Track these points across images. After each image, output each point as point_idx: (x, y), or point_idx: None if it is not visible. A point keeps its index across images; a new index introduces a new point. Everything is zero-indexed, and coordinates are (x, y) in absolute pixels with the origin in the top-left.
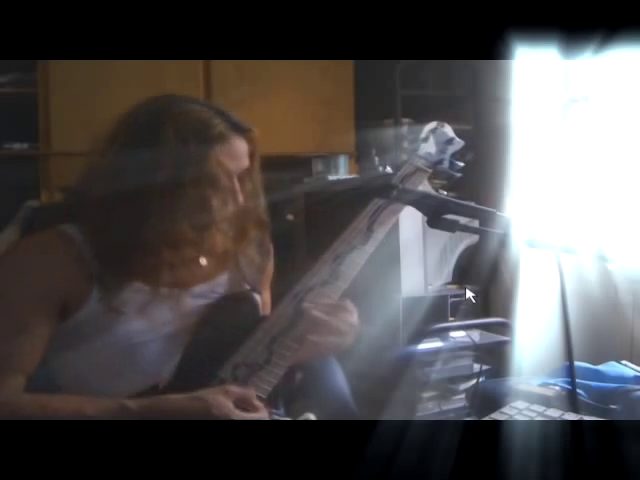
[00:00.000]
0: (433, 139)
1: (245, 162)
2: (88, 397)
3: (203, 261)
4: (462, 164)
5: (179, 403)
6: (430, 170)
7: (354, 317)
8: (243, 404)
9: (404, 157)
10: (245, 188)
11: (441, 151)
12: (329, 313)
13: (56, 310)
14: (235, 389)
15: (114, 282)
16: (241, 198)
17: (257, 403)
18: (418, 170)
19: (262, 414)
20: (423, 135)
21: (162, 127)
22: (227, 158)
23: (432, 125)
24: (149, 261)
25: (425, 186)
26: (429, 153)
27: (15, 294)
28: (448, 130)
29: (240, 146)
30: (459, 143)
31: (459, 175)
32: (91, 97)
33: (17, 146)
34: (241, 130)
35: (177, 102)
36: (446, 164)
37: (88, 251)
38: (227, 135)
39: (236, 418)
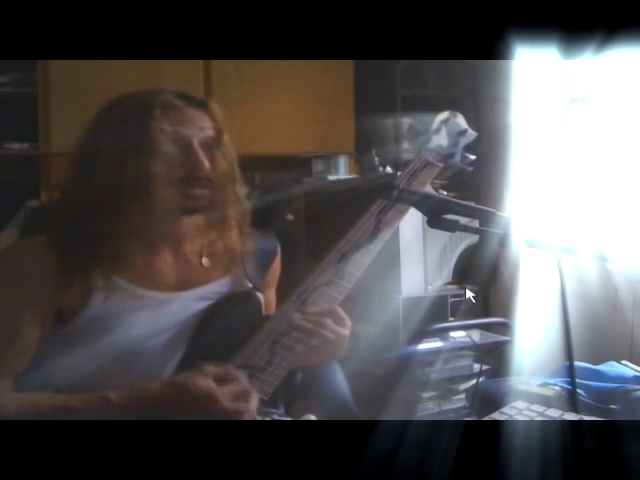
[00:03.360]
0: (445, 130)
1: (206, 132)
2: (71, 392)
3: (206, 262)
4: (474, 157)
5: (157, 389)
6: (441, 165)
7: (344, 328)
8: (223, 380)
9: (407, 149)
10: (217, 161)
11: (453, 144)
12: (316, 323)
13: (50, 314)
14: (211, 368)
15: (113, 286)
16: (207, 164)
17: (236, 374)
18: (428, 165)
19: (244, 385)
20: (435, 126)
21: (109, 112)
22: (173, 124)
23: (444, 115)
24: (140, 260)
25: (425, 186)
26: (440, 145)
27: (6, 297)
28: (461, 120)
29: (193, 114)
30: (472, 135)
31: (470, 169)
32: (91, 97)
33: (17, 146)
34: (193, 101)
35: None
36: (458, 157)
37: (83, 255)
38: (173, 102)
39: (218, 395)
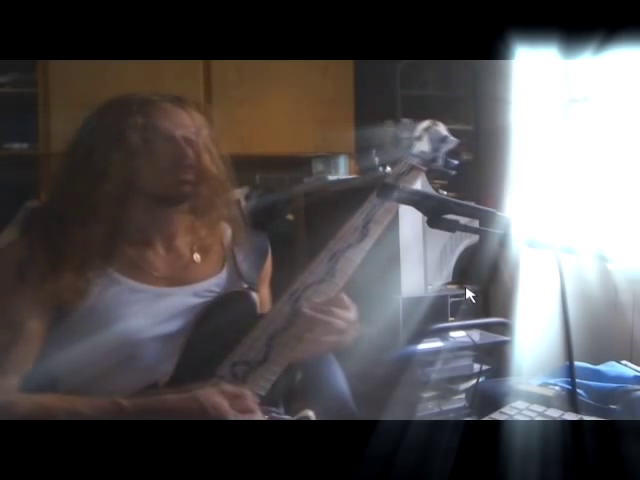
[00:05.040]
0: (427, 137)
1: (187, 127)
2: (82, 396)
3: (197, 258)
4: (457, 162)
5: (174, 402)
6: (425, 169)
7: (351, 313)
8: (238, 403)
9: (398, 156)
10: (200, 154)
11: (435, 149)
12: (324, 311)
13: (50, 311)
14: (230, 388)
15: (108, 279)
16: (190, 152)
17: (252, 402)
18: (413, 169)
19: (257, 414)
20: (417, 134)
21: (94, 115)
22: (153, 118)
23: (426, 124)
24: (134, 254)
25: (425, 186)
26: (423, 151)
27: (8, 296)
28: (442, 128)
29: (172, 109)
30: (453, 141)
31: (454, 173)
32: (91, 97)
33: (17, 146)
34: (168, 98)
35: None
36: (440, 162)
37: (75, 252)
38: (150, 99)
39: (231, 418)
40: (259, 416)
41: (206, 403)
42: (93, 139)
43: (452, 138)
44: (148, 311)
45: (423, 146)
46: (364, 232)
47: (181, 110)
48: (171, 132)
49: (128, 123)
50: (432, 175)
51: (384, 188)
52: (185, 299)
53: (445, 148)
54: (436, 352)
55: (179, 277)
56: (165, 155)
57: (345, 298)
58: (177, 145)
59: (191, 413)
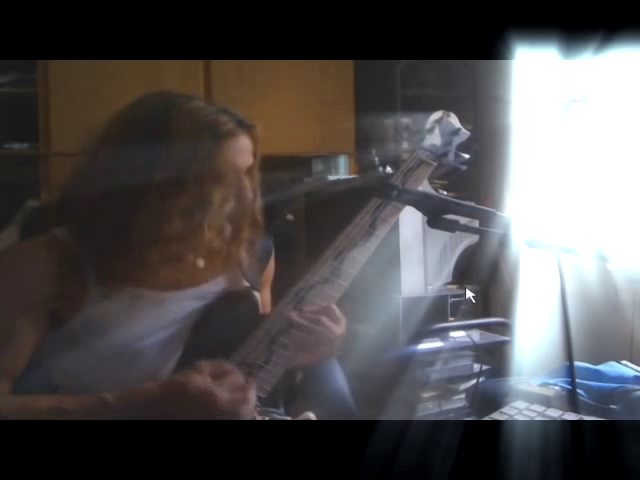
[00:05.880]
0: (438, 130)
1: (250, 159)
2: (67, 394)
3: (201, 263)
4: (467, 156)
5: (155, 390)
6: (435, 163)
7: (340, 327)
8: (218, 375)
9: (406, 150)
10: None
11: (447, 143)
12: (313, 320)
13: (46, 316)
14: (206, 364)
15: (110, 286)
16: (250, 194)
17: (229, 368)
18: (423, 163)
19: (238, 377)
20: (428, 126)
21: (168, 125)
22: (235, 155)
23: (437, 115)
24: (145, 263)
25: (425, 186)
26: (434, 145)
27: (2, 300)
28: (454, 120)
29: (246, 143)
30: (465, 134)
31: (464, 168)
32: (91, 97)
33: (17, 146)
34: (246, 127)
35: (179, 100)
36: (451, 156)
37: (81, 255)
38: (235, 132)
39: (215, 391)
40: (252, 392)
41: (185, 382)
42: (167, 150)
43: (464, 130)
44: (149, 316)
45: (434, 139)
46: (371, 231)
47: (246, 136)
48: (241, 171)
49: (218, 158)
50: (441, 171)
51: (383, 188)
52: (187, 302)
53: (457, 141)
54: (436, 352)
55: (181, 281)
56: (230, 194)
57: (336, 310)
58: (244, 188)
59: (174, 398)
